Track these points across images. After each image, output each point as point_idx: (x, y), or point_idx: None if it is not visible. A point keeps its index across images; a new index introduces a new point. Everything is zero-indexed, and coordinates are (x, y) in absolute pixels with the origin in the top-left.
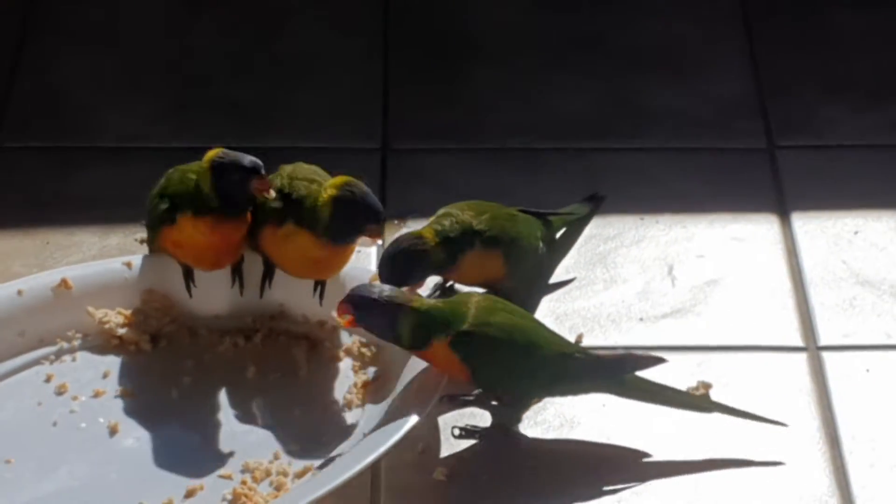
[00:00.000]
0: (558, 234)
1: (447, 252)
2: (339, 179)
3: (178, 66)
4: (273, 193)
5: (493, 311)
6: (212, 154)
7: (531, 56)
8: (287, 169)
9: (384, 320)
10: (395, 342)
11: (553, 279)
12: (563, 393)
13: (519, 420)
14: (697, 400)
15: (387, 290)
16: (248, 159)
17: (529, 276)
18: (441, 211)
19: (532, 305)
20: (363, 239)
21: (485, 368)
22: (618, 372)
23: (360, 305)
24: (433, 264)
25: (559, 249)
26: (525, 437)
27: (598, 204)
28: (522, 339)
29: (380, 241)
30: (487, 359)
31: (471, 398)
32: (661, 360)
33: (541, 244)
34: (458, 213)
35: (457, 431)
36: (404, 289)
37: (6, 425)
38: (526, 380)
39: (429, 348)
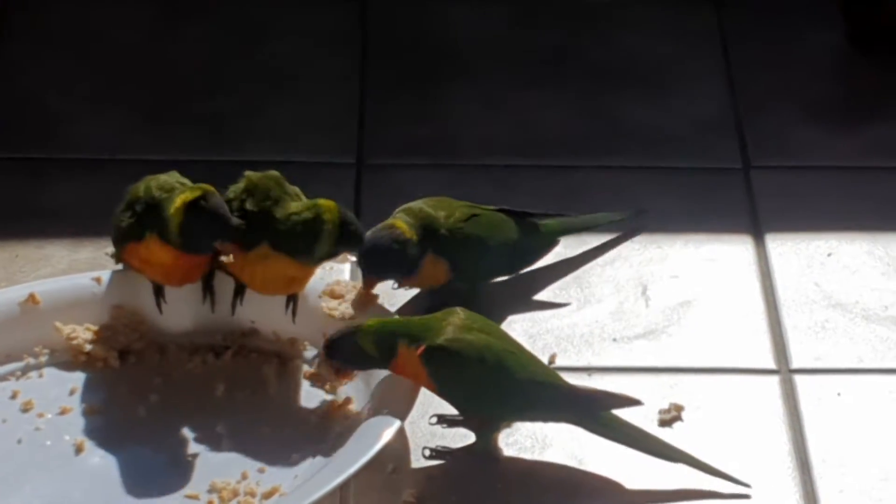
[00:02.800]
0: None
1: (417, 252)
2: (336, 212)
3: (153, 78)
4: (230, 258)
5: (468, 329)
6: (195, 193)
7: (508, 72)
8: (254, 179)
9: (349, 351)
10: (371, 364)
11: (543, 297)
12: (533, 419)
13: (486, 443)
14: (666, 449)
15: (337, 331)
16: (223, 218)
17: (482, 276)
18: (409, 206)
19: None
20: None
21: (451, 386)
22: (591, 409)
23: (331, 352)
24: (408, 259)
25: (536, 252)
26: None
27: (635, 217)
28: (493, 360)
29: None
30: (455, 376)
31: (460, 419)
32: (636, 402)
33: (510, 246)
34: (423, 210)
35: (427, 452)
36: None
37: None
38: (492, 403)
39: (398, 356)
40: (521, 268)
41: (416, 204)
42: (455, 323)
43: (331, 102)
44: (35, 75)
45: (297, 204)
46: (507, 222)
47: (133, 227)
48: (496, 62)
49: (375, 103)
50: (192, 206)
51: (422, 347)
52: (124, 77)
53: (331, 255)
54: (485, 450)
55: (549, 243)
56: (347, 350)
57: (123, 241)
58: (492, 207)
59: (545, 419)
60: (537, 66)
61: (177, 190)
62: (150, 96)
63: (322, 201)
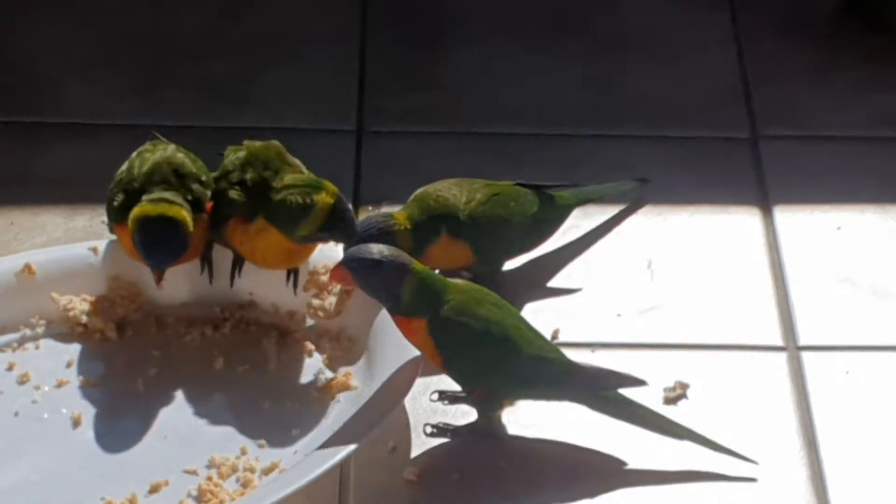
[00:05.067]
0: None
1: (416, 239)
2: (332, 198)
3: (148, 42)
4: (163, 285)
5: (478, 303)
6: (149, 210)
7: (511, 39)
8: (253, 149)
9: (388, 281)
10: (391, 304)
11: (547, 272)
12: (537, 397)
13: (489, 420)
14: (671, 426)
15: (386, 249)
16: (155, 253)
17: (506, 255)
18: (425, 189)
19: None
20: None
21: (457, 358)
22: (597, 388)
23: (361, 268)
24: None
25: (553, 224)
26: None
27: (639, 187)
28: (500, 334)
29: None
30: (460, 349)
31: (462, 395)
32: (641, 383)
33: (531, 221)
34: (440, 195)
35: (428, 429)
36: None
37: None
38: (497, 377)
39: (417, 318)
40: (540, 242)
41: (433, 187)
42: (465, 293)
43: (330, 69)
44: (29, 40)
45: (295, 176)
46: (527, 195)
47: (121, 211)
48: (499, 29)
49: (376, 70)
50: (144, 221)
51: (426, 319)
52: (119, 41)
53: (315, 238)
54: (487, 427)
55: (563, 215)
56: (387, 283)
57: (115, 221)
58: (510, 182)
59: (548, 397)
60: (541, 33)
61: (157, 188)
62: (146, 61)
63: (326, 183)
